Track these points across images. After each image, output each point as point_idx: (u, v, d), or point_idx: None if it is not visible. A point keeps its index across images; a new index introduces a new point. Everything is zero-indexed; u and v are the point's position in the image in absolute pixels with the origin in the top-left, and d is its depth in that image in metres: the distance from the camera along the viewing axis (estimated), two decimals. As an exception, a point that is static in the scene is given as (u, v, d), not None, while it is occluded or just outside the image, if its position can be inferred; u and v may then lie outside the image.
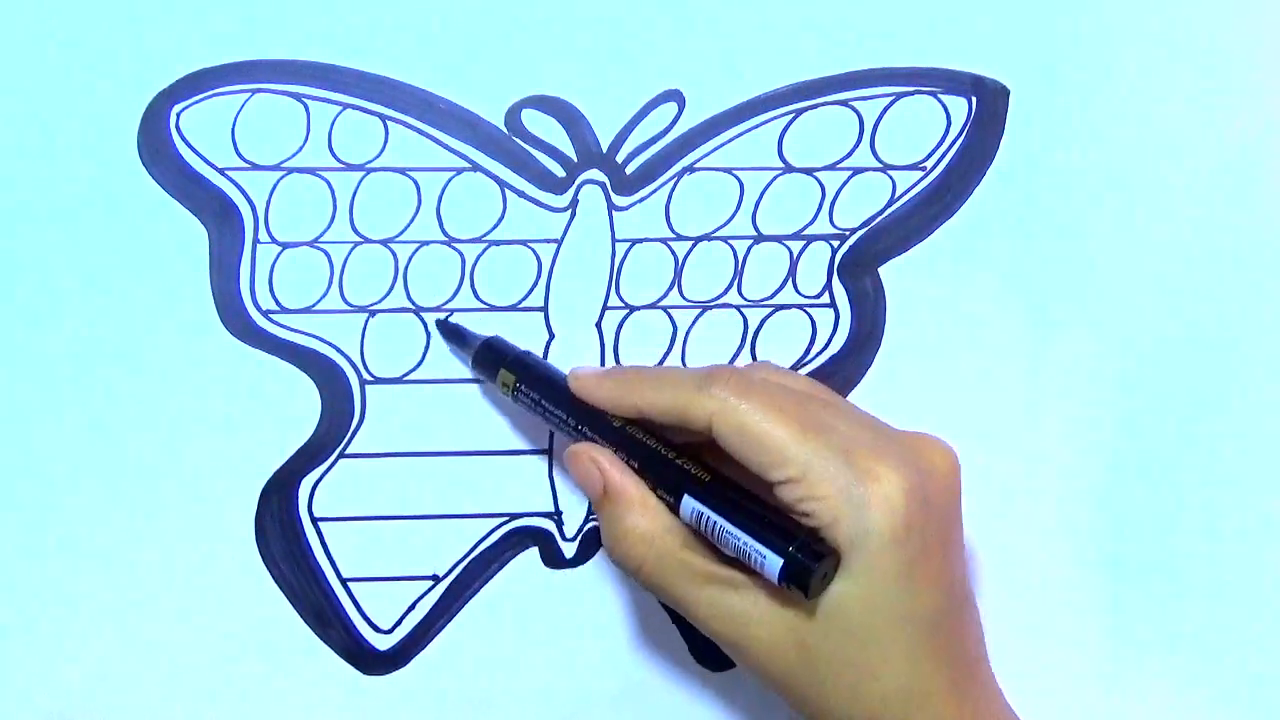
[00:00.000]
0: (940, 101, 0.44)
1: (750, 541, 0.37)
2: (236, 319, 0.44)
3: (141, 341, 0.43)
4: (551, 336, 0.45)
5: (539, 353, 0.44)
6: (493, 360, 0.43)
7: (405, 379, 0.44)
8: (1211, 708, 0.46)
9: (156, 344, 0.43)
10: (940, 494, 0.38)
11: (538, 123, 0.44)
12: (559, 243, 0.44)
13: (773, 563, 0.36)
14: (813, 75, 0.44)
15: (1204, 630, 0.46)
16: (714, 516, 0.38)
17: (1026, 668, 0.46)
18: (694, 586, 0.38)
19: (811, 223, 0.45)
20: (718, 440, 0.38)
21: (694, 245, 0.45)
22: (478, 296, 0.44)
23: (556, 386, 0.41)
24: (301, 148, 0.43)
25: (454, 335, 0.44)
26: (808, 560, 0.36)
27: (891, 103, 0.44)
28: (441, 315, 0.44)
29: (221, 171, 0.43)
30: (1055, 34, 0.44)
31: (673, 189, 0.44)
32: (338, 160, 0.43)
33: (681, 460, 0.39)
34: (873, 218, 0.45)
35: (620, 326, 0.45)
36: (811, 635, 0.37)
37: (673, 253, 0.45)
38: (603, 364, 0.45)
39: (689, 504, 0.38)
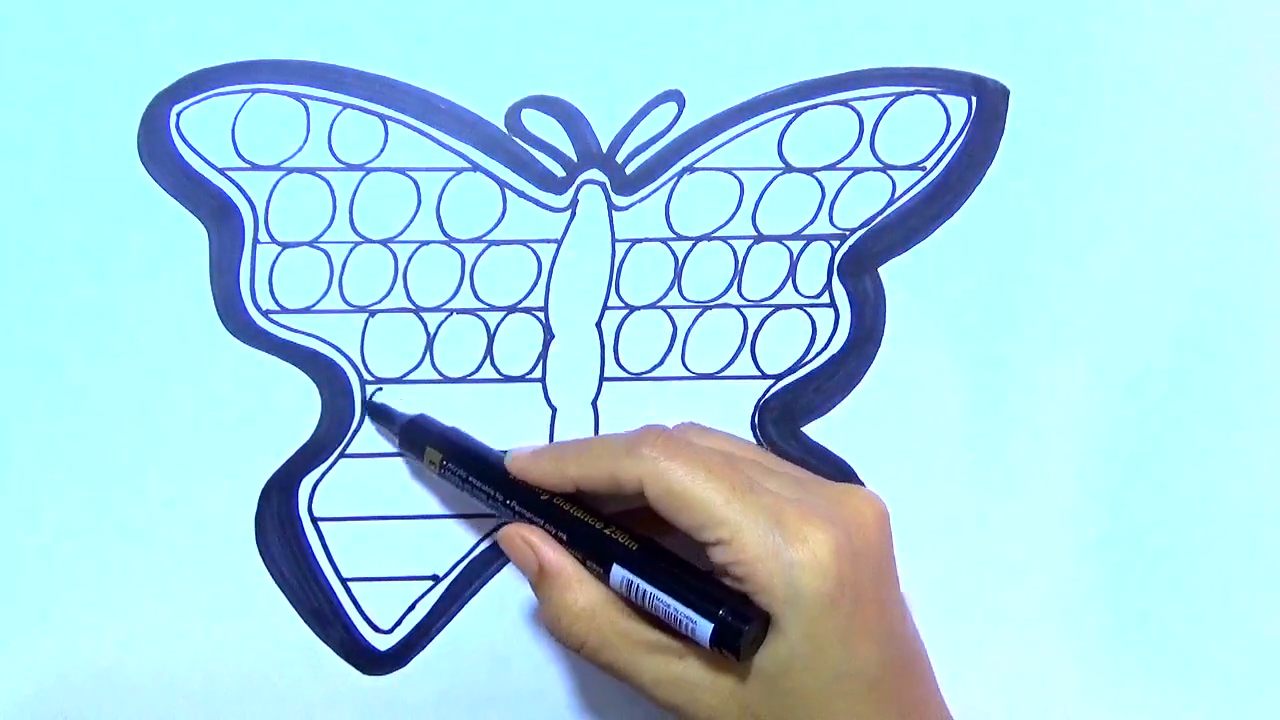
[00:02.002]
0: (940, 101, 0.44)
1: (679, 607, 0.37)
2: (236, 319, 0.44)
3: (141, 341, 0.43)
4: (551, 336, 0.45)
5: (538, 352, 0.44)
6: (418, 438, 0.43)
7: (405, 379, 0.44)
8: (1207, 711, 0.46)
9: (156, 344, 0.43)
10: (870, 548, 0.38)
11: (538, 123, 0.44)
12: (559, 243, 0.44)
13: (703, 627, 0.37)
14: (813, 75, 0.44)
15: (1200, 633, 0.46)
16: (642, 584, 0.38)
17: (1021, 666, 0.46)
18: (637, 657, 0.39)
19: (811, 223, 0.45)
20: (650, 503, 0.38)
21: (694, 245, 0.45)
22: (478, 296, 0.44)
23: (483, 462, 0.42)
24: (301, 148, 0.43)
25: (379, 415, 0.44)
26: (736, 623, 0.36)
27: (891, 103, 0.44)
28: (441, 314, 0.44)
29: (221, 171, 0.43)
30: (1055, 34, 0.44)
31: (673, 189, 0.44)
32: (338, 160, 0.43)
33: (609, 530, 0.39)
34: (873, 218, 0.45)
35: (620, 326, 0.45)
36: (754, 698, 0.37)
37: (673, 253, 0.45)
38: (602, 364, 0.45)
39: (617, 573, 0.38)
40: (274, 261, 0.44)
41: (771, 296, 0.45)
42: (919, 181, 0.45)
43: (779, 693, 0.37)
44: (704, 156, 0.44)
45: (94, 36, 0.42)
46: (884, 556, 0.39)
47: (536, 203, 0.44)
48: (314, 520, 0.44)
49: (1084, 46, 0.45)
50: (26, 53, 0.42)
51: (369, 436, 0.44)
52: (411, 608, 0.45)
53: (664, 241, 0.45)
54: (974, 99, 0.45)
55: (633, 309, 0.45)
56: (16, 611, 0.44)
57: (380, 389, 0.44)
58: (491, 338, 0.44)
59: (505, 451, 0.42)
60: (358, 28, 0.43)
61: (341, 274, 0.44)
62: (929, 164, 0.45)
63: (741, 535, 0.36)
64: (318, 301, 0.44)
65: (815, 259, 0.45)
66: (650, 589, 0.38)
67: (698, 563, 0.38)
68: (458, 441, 0.42)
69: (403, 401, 0.44)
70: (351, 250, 0.44)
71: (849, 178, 0.45)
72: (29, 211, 0.43)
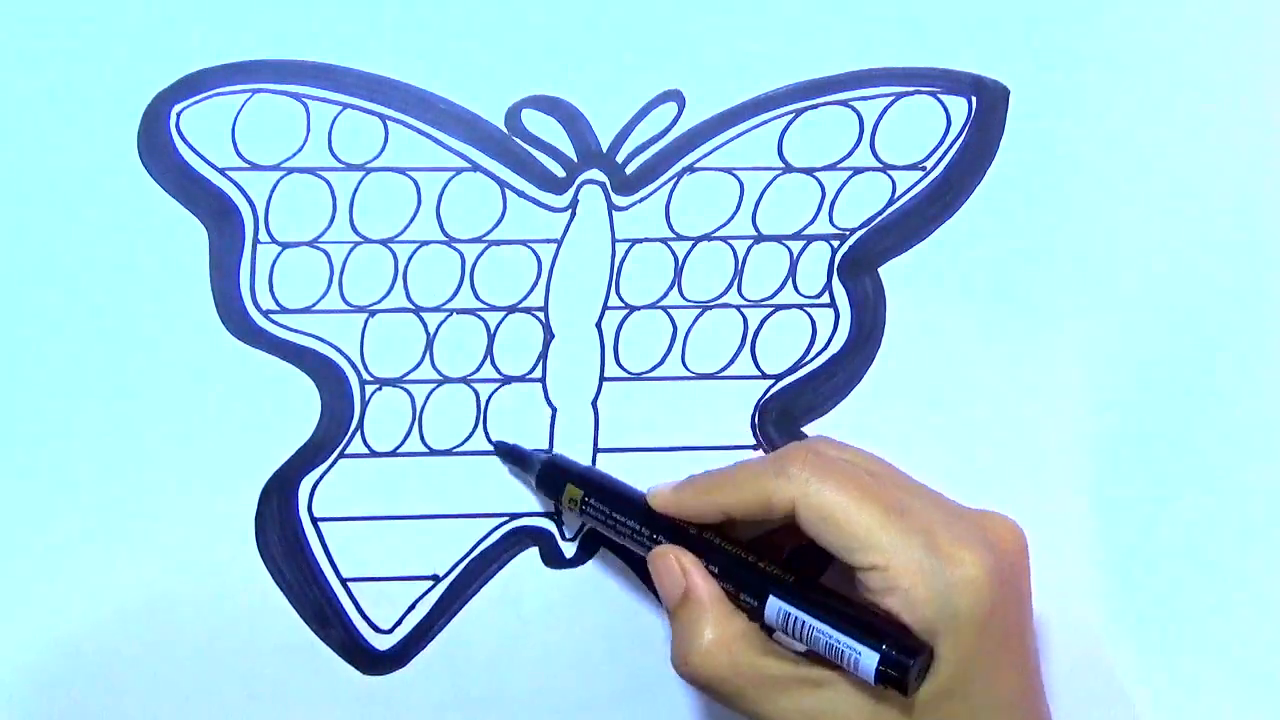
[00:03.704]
0: (940, 101, 0.44)
1: (842, 639, 0.36)
2: (236, 319, 0.44)
3: (141, 341, 0.43)
4: (551, 336, 0.45)
5: (538, 352, 0.44)
6: (556, 478, 0.43)
7: (405, 379, 0.44)
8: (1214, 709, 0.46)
9: (156, 344, 0.43)
10: (1015, 574, 0.38)
11: (538, 123, 0.44)
12: (559, 243, 0.44)
13: (868, 659, 0.35)
14: (813, 75, 0.44)
15: (1208, 629, 0.46)
16: (803, 616, 0.37)
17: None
18: (773, 693, 0.37)
19: (811, 223, 0.45)
20: (802, 524, 0.37)
21: (694, 245, 0.45)
22: (478, 296, 0.44)
23: (624, 499, 0.41)
24: (301, 148, 0.43)
25: (512, 457, 0.44)
26: (904, 657, 0.35)
27: (891, 103, 0.44)
28: (441, 314, 0.44)
29: (221, 171, 0.43)
30: (1055, 34, 0.44)
31: (673, 189, 0.44)
32: (338, 160, 0.43)
33: (763, 562, 0.38)
34: (873, 218, 0.45)
35: (620, 326, 0.45)
36: None
37: (673, 253, 0.45)
38: (602, 364, 0.45)
39: (775, 605, 0.37)
40: (274, 261, 0.44)
41: (771, 296, 0.45)
42: (919, 181, 0.45)
43: None
44: (704, 156, 0.44)
45: (94, 36, 0.42)
46: (1025, 583, 0.38)
47: (536, 203, 0.44)
48: (314, 520, 0.44)
49: (1084, 46, 0.45)
50: (26, 53, 0.42)
51: (369, 436, 0.44)
52: (411, 608, 0.45)
53: (664, 241, 0.45)
54: (974, 99, 0.45)
55: (633, 309, 0.45)
56: (16, 611, 0.44)
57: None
58: (491, 338, 0.44)
59: (628, 487, 0.42)
60: (358, 28, 0.43)
61: (341, 274, 0.44)
62: (929, 164, 0.45)
63: (896, 559, 0.36)
64: (318, 301, 0.44)
65: (815, 259, 0.45)
66: (811, 620, 0.37)
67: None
68: (597, 479, 0.42)
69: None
70: (351, 250, 0.44)
71: (849, 178, 0.45)
72: (29, 211, 0.43)
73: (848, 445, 0.40)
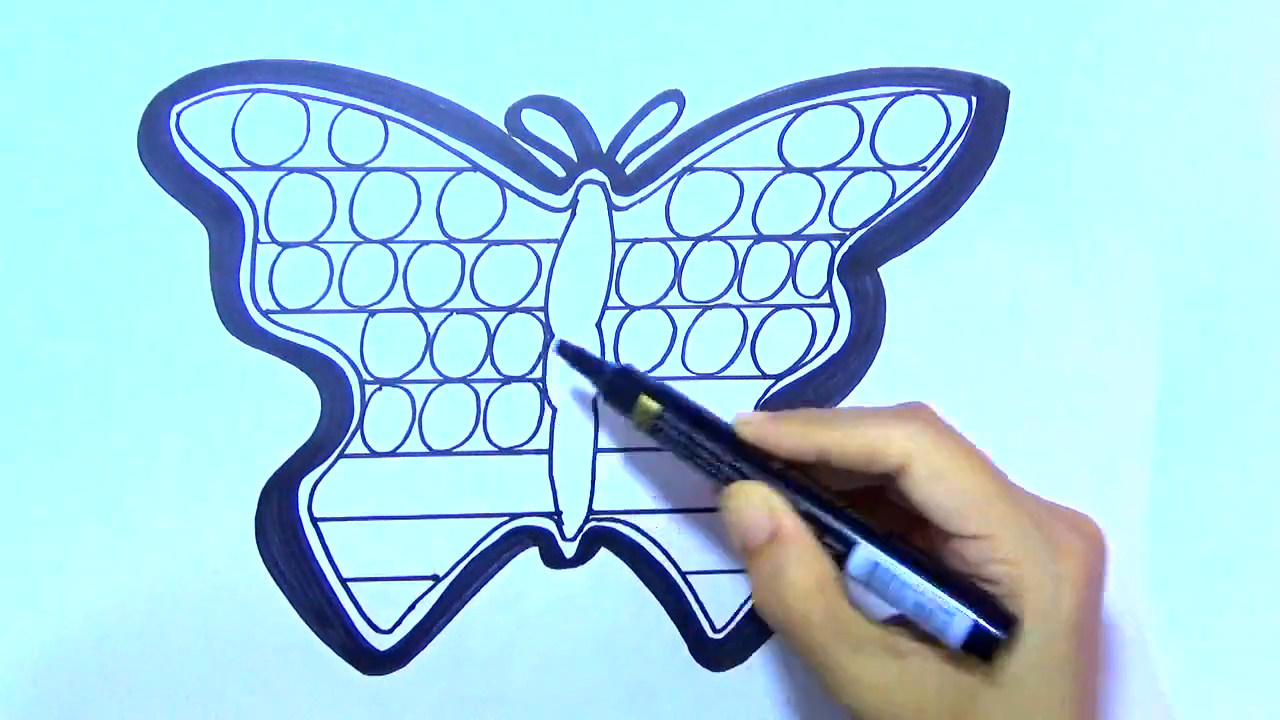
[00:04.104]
0: (940, 101, 0.44)
1: (935, 598, 0.35)
2: (236, 319, 0.44)
3: (141, 341, 0.43)
4: (551, 336, 0.45)
5: (538, 352, 0.44)
6: (628, 388, 0.40)
7: (405, 379, 0.44)
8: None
9: (156, 344, 0.43)
10: (1103, 577, 0.37)
11: (538, 123, 0.44)
12: (559, 243, 0.44)
13: (958, 624, 0.34)
14: (813, 75, 0.44)
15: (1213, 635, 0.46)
16: (892, 568, 0.35)
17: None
18: (854, 650, 0.36)
19: (811, 223, 0.45)
20: (907, 481, 0.36)
21: (694, 245, 0.45)
22: (478, 296, 0.44)
23: (707, 421, 0.39)
24: (301, 148, 0.43)
25: (578, 358, 0.42)
26: (996, 626, 0.34)
27: (891, 103, 0.44)
28: (441, 314, 0.44)
29: (221, 171, 0.43)
30: (1055, 34, 0.44)
31: (673, 189, 0.44)
32: (338, 160, 0.43)
33: (853, 509, 0.37)
34: (873, 218, 0.45)
35: (620, 326, 0.45)
36: (973, 708, 0.35)
37: (673, 253, 0.45)
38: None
39: (864, 554, 0.36)
40: (274, 261, 0.44)
41: (771, 296, 0.45)
42: (919, 181, 0.45)
43: (1003, 706, 0.35)
44: (704, 156, 0.44)
45: (94, 36, 0.42)
46: (1103, 589, 0.38)
47: (536, 203, 0.44)
48: (314, 520, 0.44)
49: (1084, 46, 0.45)
50: (27, 53, 0.42)
51: (369, 436, 0.44)
52: (411, 608, 0.45)
53: (664, 241, 0.45)
54: (974, 99, 0.45)
55: (633, 309, 0.45)
56: (16, 611, 0.44)
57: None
58: (491, 338, 0.44)
59: (709, 411, 0.40)
60: (358, 28, 0.43)
61: (341, 274, 0.44)
62: (929, 164, 0.45)
63: (1005, 533, 0.35)
64: (318, 301, 0.44)
65: (815, 259, 0.45)
66: (902, 574, 0.35)
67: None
68: (677, 396, 0.40)
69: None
70: (351, 250, 0.44)
71: (849, 178, 0.45)
72: (29, 211, 0.43)
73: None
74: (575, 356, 0.42)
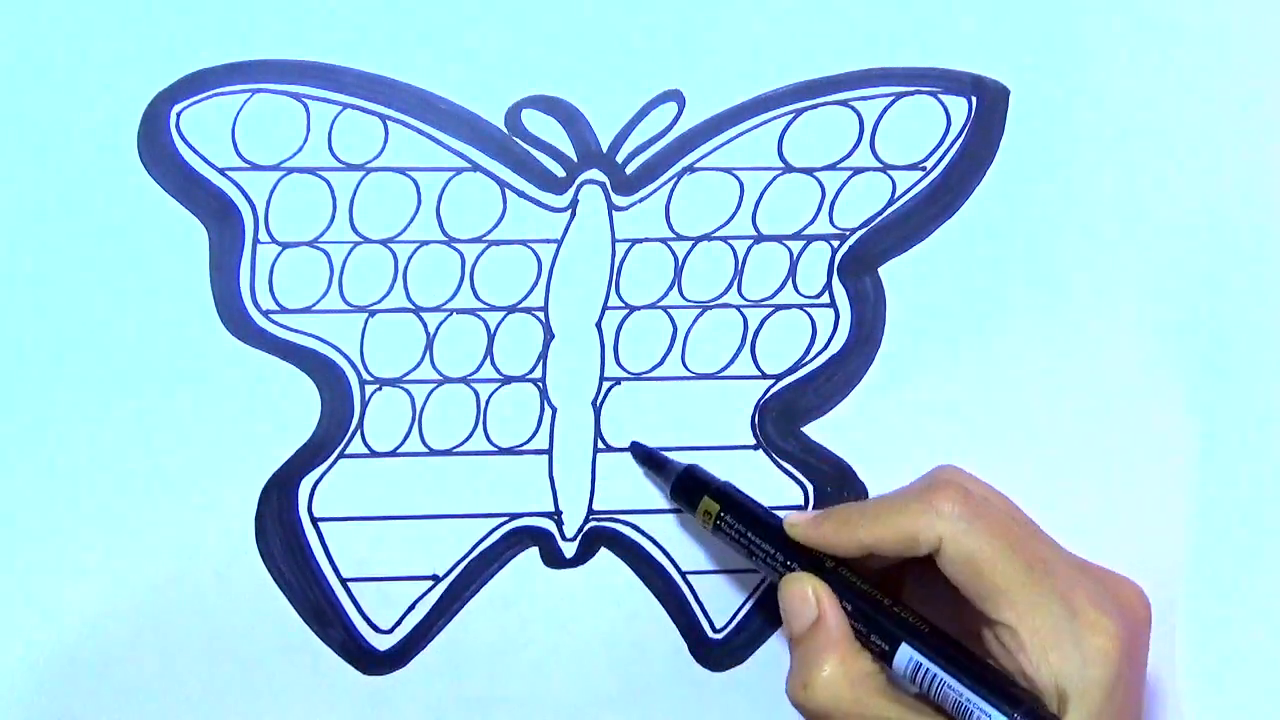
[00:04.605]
0: (940, 101, 0.44)
1: (975, 700, 0.36)
2: (236, 319, 0.44)
3: (141, 341, 0.43)
4: (551, 336, 0.45)
5: (538, 352, 0.44)
6: (693, 489, 0.42)
7: (405, 379, 0.44)
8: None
9: (156, 344, 0.43)
10: (1142, 645, 0.37)
11: (538, 123, 0.44)
12: (559, 243, 0.44)
13: None
14: (813, 75, 0.44)
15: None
16: (935, 668, 0.37)
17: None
18: None
19: (811, 223, 0.45)
20: (941, 562, 0.37)
21: (694, 245, 0.45)
22: (478, 296, 0.44)
23: (762, 522, 0.41)
24: (301, 148, 0.43)
25: (649, 461, 0.44)
26: None
27: (891, 103, 0.44)
28: (441, 314, 0.44)
29: (221, 171, 0.43)
30: (1055, 34, 0.44)
31: (673, 189, 0.44)
32: (338, 160, 0.43)
33: (898, 607, 0.38)
34: (873, 218, 0.45)
35: (620, 326, 0.45)
36: None
37: (673, 253, 0.45)
38: (602, 364, 0.45)
39: (907, 653, 0.37)
40: (274, 261, 0.44)
41: (771, 296, 0.45)
42: (919, 181, 0.45)
43: None
44: (704, 156, 0.44)
45: (94, 36, 0.42)
46: (1146, 653, 0.38)
47: (536, 203, 0.44)
48: (314, 520, 0.44)
49: (1084, 46, 0.45)
50: (27, 53, 0.42)
51: (369, 436, 0.44)
52: (411, 608, 0.45)
53: (664, 241, 0.45)
54: (974, 99, 0.45)
55: (633, 309, 0.45)
56: (15, 610, 0.44)
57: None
58: (491, 338, 0.44)
59: (764, 508, 0.42)
60: (358, 28, 0.43)
61: (341, 274, 0.44)
62: (929, 164, 0.45)
63: (1033, 619, 0.36)
64: (318, 301, 0.44)
65: (815, 259, 0.45)
66: (944, 674, 0.36)
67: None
68: (735, 497, 0.42)
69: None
70: (351, 250, 0.44)
71: (849, 178, 0.45)
72: (29, 211, 0.43)
73: (981, 481, 0.40)
74: (644, 458, 0.44)
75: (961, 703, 0.36)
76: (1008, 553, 0.36)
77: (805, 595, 0.39)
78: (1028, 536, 0.38)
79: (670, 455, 0.44)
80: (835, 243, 0.45)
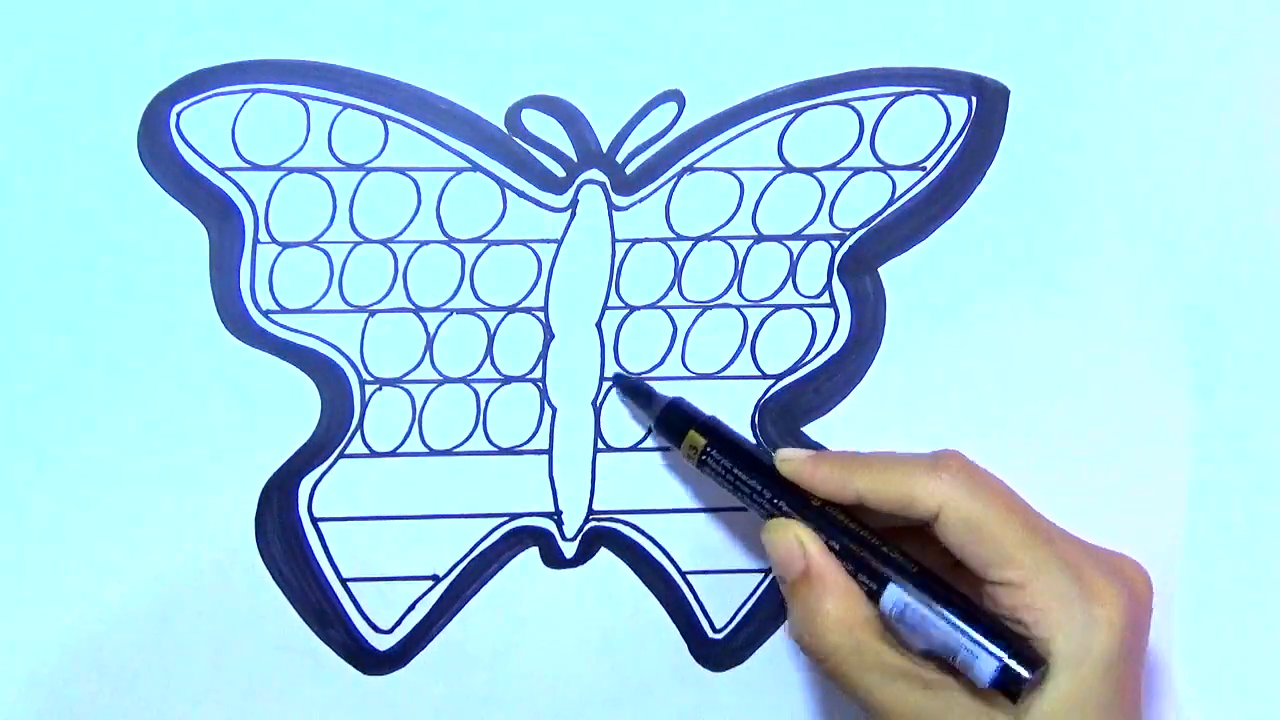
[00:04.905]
0: (940, 101, 0.44)
1: (962, 638, 0.36)
2: (236, 319, 0.44)
3: (141, 341, 0.43)
4: (551, 336, 0.45)
5: (538, 352, 0.44)
6: (678, 423, 0.42)
7: (405, 379, 0.44)
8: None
9: (156, 344, 0.43)
10: (1143, 620, 0.37)
11: (538, 123, 0.44)
12: (559, 243, 0.44)
13: (985, 664, 0.35)
14: (813, 75, 0.44)
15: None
16: (922, 607, 0.36)
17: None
18: (884, 681, 0.37)
19: (811, 223, 0.45)
20: (940, 529, 0.37)
21: (694, 245, 0.45)
22: (478, 296, 0.44)
23: (750, 457, 0.41)
24: (301, 148, 0.43)
25: (635, 392, 0.44)
26: (1023, 667, 0.35)
27: (891, 103, 0.44)
28: (441, 314, 0.44)
29: (221, 171, 0.43)
30: (1055, 34, 0.44)
31: (673, 189, 0.44)
32: (338, 160, 0.43)
33: (887, 547, 0.38)
34: (873, 218, 0.45)
35: (620, 326, 0.45)
36: None
37: (673, 253, 0.45)
38: (602, 365, 0.45)
39: (894, 592, 0.37)
40: (274, 261, 0.44)
41: (771, 296, 0.45)
42: (919, 181, 0.45)
43: None
44: (704, 156, 0.44)
45: (94, 36, 0.42)
46: (1146, 632, 0.38)
47: (536, 203, 0.44)
48: (314, 520, 0.44)
49: (1084, 46, 0.45)
50: (27, 53, 0.42)
51: (369, 436, 0.44)
52: (411, 608, 0.45)
53: (664, 241, 0.45)
54: (974, 99, 0.45)
55: (633, 309, 0.45)
56: (15, 611, 0.44)
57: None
58: (491, 338, 0.44)
59: (763, 447, 0.41)
60: (358, 28, 0.43)
61: (341, 274, 0.44)
62: (929, 164, 0.45)
63: (1037, 580, 0.36)
64: (318, 301, 0.44)
65: (815, 259, 0.45)
66: (931, 613, 0.36)
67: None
68: (723, 432, 0.42)
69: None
70: (351, 250, 0.44)
71: (849, 178, 0.45)
72: (29, 211, 0.43)
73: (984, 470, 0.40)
74: (629, 389, 0.44)
75: (949, 642, 0.36)
76: (1012, 517, 0.36)
77: (790, 545, 0.38)
78: (1030, 509, 0.38)
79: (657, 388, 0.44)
80: (835, 243, 0.45)
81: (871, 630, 0.38)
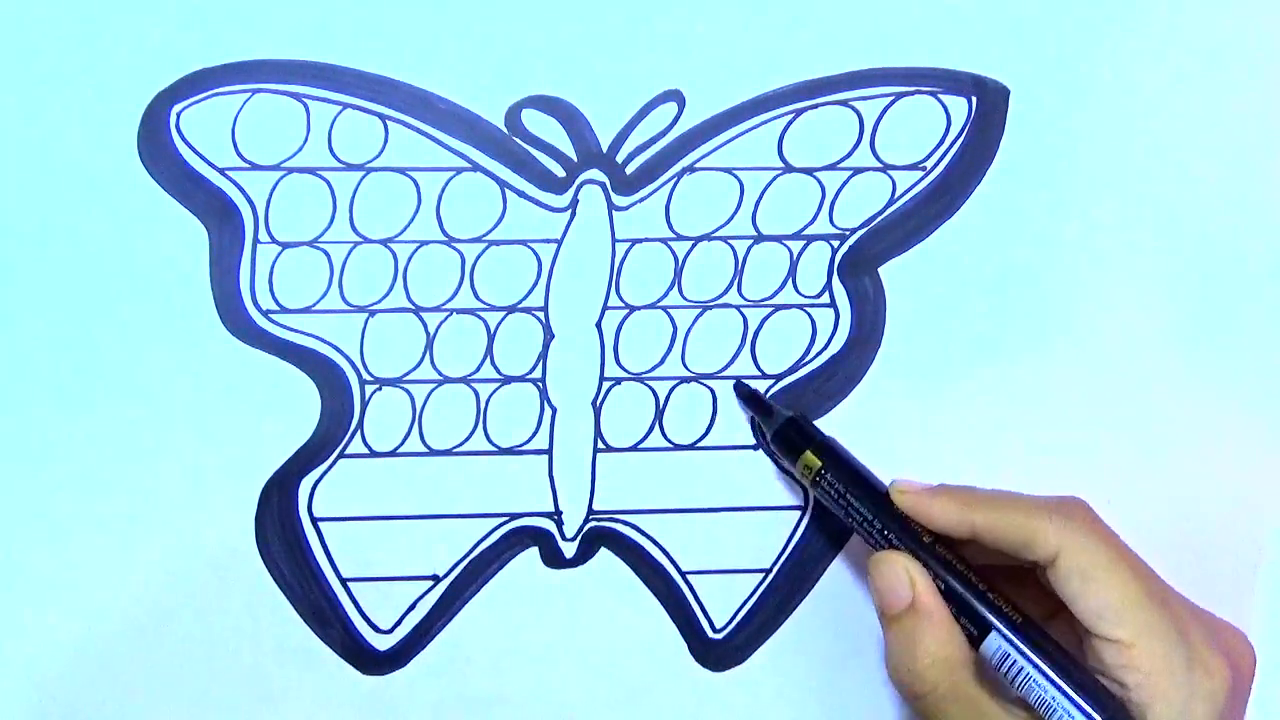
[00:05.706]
0: (940, 101, 0.44)
1: (1061, 697, 0.35)
2: (236, 319, 0.44)
3: (141, 341, 0.43)
4: (551, 336, 0.45)
5: (538, 352, 0.44)
6: (796, 440, 0.42)
7: (405, 379, 0.44)
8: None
9: (156, 344, 0.43)
10: (1244, 695, 0.37)
11: (538, 123, 0.44)
12: (559, 243, 0.44)
13: None
14: (813, 75, 0.44)
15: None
16: (1022, 660, 0.36)
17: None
18: None
19: (811, 223, 0.45)
20: (1054, 574, 0.37)
21: (694, 245, 0.45)
22: (478, 296, 0.44)
23: (865, 483, 0.40)
24: (301, 148, 0.43)
25: (755, 403, 0.43)
26: None
27: (891, 103, 0.44)
28: (441, 314, 0.44)
29: (221, 171, 0.43)
30: (1055, 34, 0.44)
31: (673, 189, 0.44)
32: (338, 160, 0.43)
33: (993, 593, 0.38)
34: (873, 218, 0.45)
35: (620, 326, 0.45)
36: None
37: (673, 253, 0.45)
38: (602, 364, 0.45)
39: (996, 641, 0.37)
40: (274, 261, 0.44)
41: (771, 296, 0.45)
42: (919, 181, 0.45)
43: None
44: (704, 156, 0.44)
45: (94, 36, 0.42)
46: (1245, 706, 0.37)
47: (536, 203, 0.44)
48: (314, 520, 0.44)
49: (1084, 46, 0.45)
50: (27, 53, 0.42)
51: (369, 436, 0.44)
52: (411, 608, 0.45)
53: (664, 241, 0.45)
54: (974, 99, 0.45)
55: (633, 309, 0.45)
56: (15, 611, 0.44)
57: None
58: (491, 338, 0.44)
59: (867, 469, 0.41)
60: (358, 28, 0.43)
61: (341, 274, 0.44)
62: (929, 164, 0.45)
63: (1144, 641, 0.35)
64: (318, 301, 0.44)
65: (815, 259, 0.45)
66: (1031, 666, 0.36)
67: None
68: (839, 454, 0.41)
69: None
70: (351, 250, 0.44)
71: (849, 178, 0.45)
72: (29, 211, 0.43)
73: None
74: (750, 398, 0.44)
75: (1046, 699, 0.36)
76: (1129, 573, 0.36)
77: (899, 576, 0.38)
78: (1147, 567, 0.37)
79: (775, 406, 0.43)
80: (835, 243, 0.45)
81: (970, 674, 0.37)
